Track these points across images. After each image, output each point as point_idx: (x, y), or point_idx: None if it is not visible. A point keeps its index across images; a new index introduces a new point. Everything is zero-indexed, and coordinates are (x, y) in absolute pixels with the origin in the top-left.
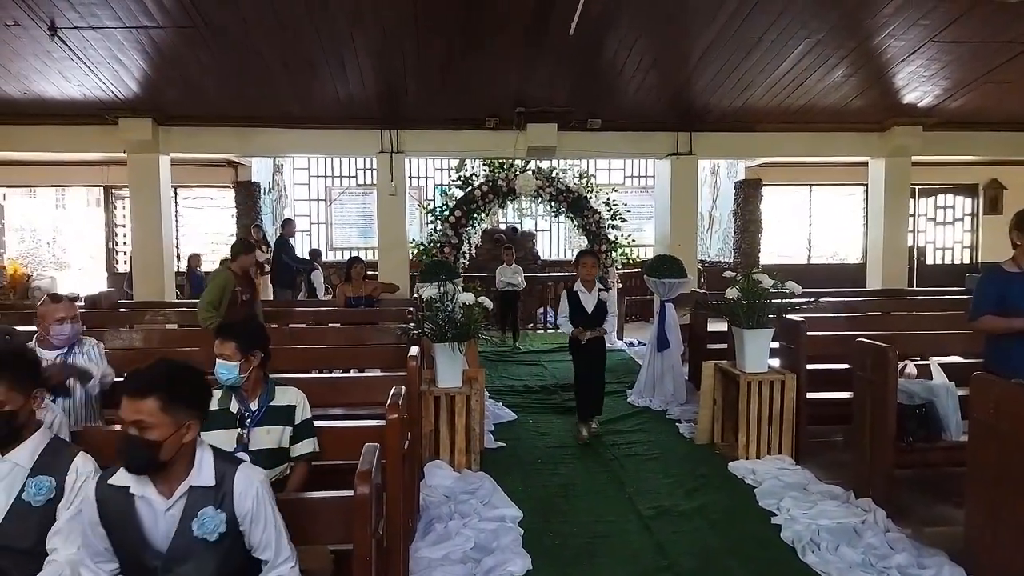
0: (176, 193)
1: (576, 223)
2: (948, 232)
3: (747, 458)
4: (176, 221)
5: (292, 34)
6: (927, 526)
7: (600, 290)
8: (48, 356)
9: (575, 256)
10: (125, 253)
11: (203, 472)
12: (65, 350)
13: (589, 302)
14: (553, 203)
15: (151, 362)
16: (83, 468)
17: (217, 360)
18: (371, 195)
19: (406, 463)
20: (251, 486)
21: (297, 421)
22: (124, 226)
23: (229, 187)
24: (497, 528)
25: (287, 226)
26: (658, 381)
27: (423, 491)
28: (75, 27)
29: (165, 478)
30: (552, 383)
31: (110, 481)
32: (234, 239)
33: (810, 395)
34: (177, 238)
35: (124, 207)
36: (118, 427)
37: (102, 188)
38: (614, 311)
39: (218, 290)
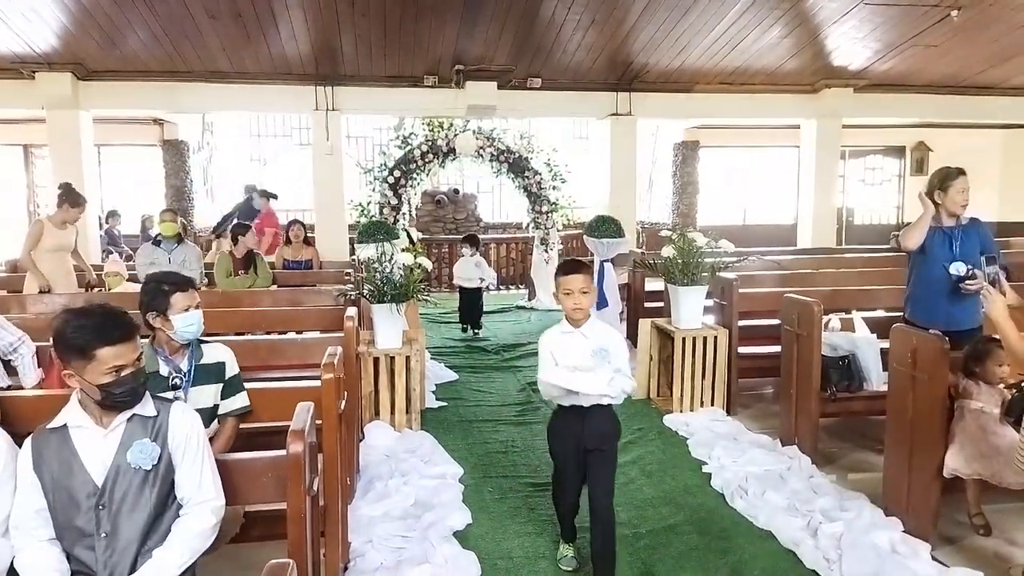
0: (100, 152)
1: (517, 184)
2: (876, 193)
3: (681, 411)
4: (100, 181)
5: None
6: (849, 471)
7: None
8: None
9: None
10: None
11: (145, 404)
12: None
13: None
14: (494, 163)
15: (105, 311)
16: None
17: (185, 315)
18: (307, 155)
19: (343, 423)
20: (186, 419)
21: (227, 377)
22: (46, 187)
23: (156, 146)
24: (437, 485)
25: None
26: None
27: (363, 451)
28: None
29: (107, 411)
30: (493, 343)
31: (47, 427)
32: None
33: (741, 349)
34: (102, 199)
35: (46, 166)
36: (110, 373)
37: (22, 147)
38: None
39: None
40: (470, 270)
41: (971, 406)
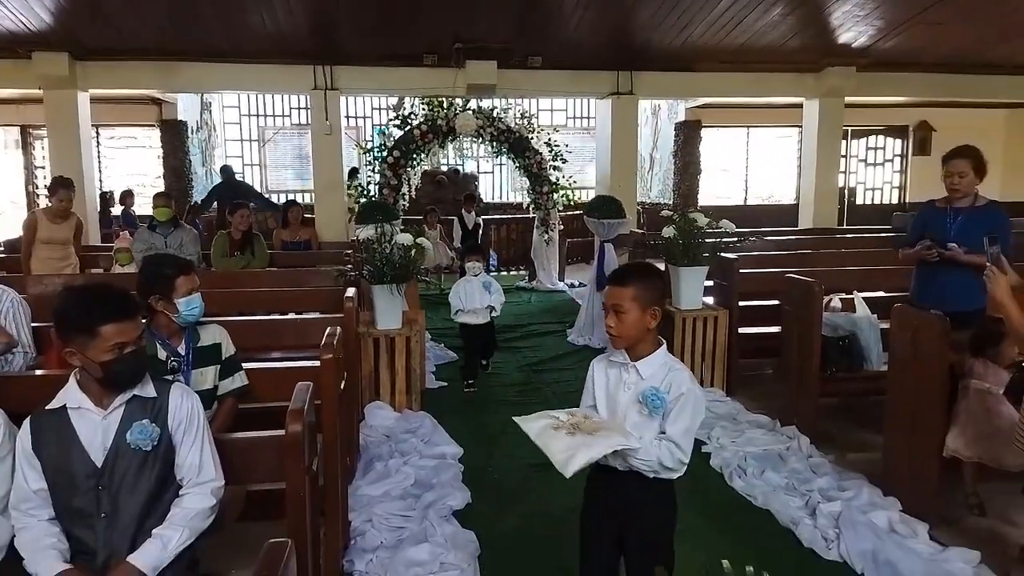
0: (98, 132)
1: (518, 164)
2: (878, 173)
3: None
4: (99, 162)
5: None
6: (848, 451)
7: None
8: None
9: None
10: (47, 196)
11: (145, 385)
12: None
13: None
14: (494, 143)
15: (107, 289)
16: None
17: (189, 298)
18: (306, 135)
19: (342, 403)
20: (186, 400)
21: (223, 357)
22: (44, 168)
23: (154, 126)
24: (437, 465)
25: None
26: (597, 320)
27: (363, 431)
28: None
29: (107, 390)
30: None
31: (45, 408)
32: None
33: (742, 330)
34: (101, 180)
35: (43, 147)
36: (113, 350)
37: (19, 128)
38: None
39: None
40: (478, 295)
41: (977, 386)
